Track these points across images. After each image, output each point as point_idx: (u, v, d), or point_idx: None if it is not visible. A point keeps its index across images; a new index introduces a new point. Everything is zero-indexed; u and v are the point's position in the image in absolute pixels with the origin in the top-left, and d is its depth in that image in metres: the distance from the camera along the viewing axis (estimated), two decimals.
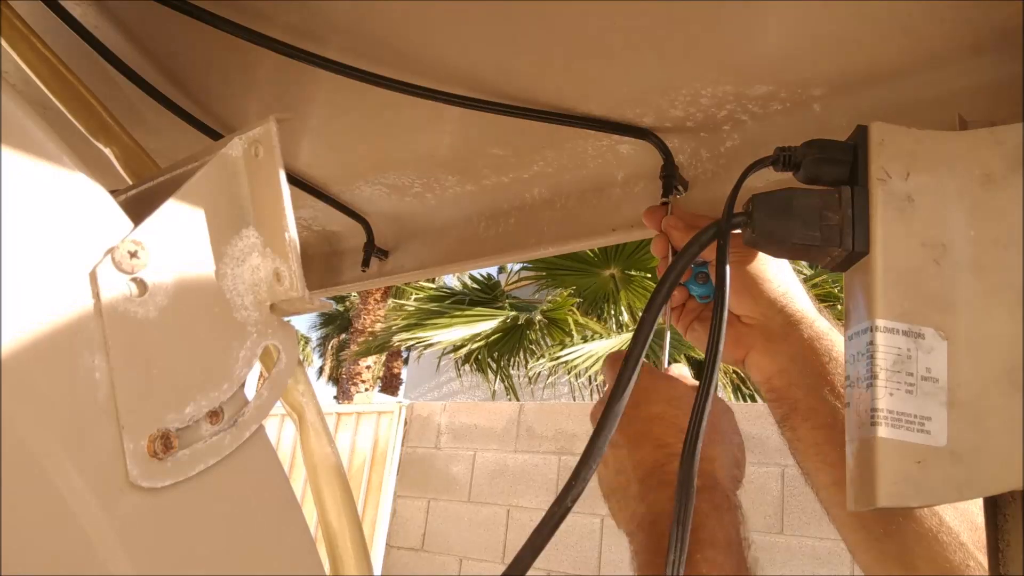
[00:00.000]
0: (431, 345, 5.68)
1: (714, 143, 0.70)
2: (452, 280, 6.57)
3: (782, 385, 0.68)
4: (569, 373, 5.04)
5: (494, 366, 5.77)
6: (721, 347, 0.50)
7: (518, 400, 5.59)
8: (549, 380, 5.70)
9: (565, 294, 5.45)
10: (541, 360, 5.45)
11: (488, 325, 5.58)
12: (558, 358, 5.05)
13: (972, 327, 0.43)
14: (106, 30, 0.69)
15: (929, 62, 0.56)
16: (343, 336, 15.27)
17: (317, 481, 0.56)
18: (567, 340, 5.43)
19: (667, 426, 0.62)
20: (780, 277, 0.69)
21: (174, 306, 0.42)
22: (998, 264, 0.43)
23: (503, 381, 5.83)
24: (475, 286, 6.10)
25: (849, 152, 0.48)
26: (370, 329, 8.43)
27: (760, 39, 0.56)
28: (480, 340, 5.56)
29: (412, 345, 5.94)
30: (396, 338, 5.94)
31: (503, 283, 6.27)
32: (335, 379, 15.52)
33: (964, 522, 0.60)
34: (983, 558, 0.59)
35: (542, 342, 5.67)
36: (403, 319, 5.86)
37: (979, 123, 0.46)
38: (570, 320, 5.40)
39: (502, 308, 5.83)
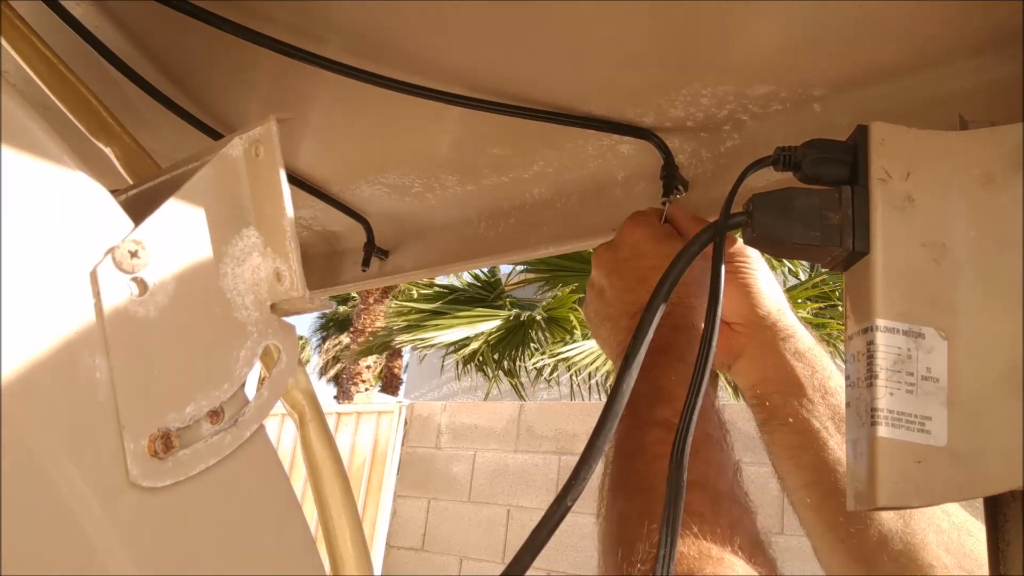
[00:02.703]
0: (432, 345, 5.69)
1: (714, 143, 0.70)
2: (452, 276, 6.56)
3: (764, 392, 0.73)
4: (570, 371, 5.03)
5: (496, 365, 5.77)
6: (714, 343, 0.49)
7: (523, 399, 5.59)
8: (552, 376, 5.68)
9: (566, 291, 5.45)
10: (542, 357, 5.45)
11: (490, 325, 5.58)
12: (558, 355, 5.05)
13: (972, 327, 0.43)
14: (106, 30, 0.69)
15: (929, 62, 0.56)
16: (343, 336, 15.27)
17: (317, 481, 0.56)
18: (568, 338, 5.43)
19: None
20: (774, 293, 0.74)
21: (175, 306, 0.42)
22: (998, 264, 0.43)
23: (509, 378, 5.83)
24: (475, 283, 6.09)
25: (849, 152, 0.48)
26: (370, 329, 8.43)
27: (760, 39, 0.56)
28: (482, 339, 5.56)
29: (414, 346, 5.95)
30: (398, 339, 5.95)
31: (503, 281, 6.26)
32: (335, 379, 15.52)
33: (930, 525, 0.62)
34: (949, 560, 0.60)
35: (543, 340, 5.67)
36: (404, 321, 5.87)
37: (979, 123, 0.46)
38: (572, 317, 5.40)
39: (502, 307, 5.83)
